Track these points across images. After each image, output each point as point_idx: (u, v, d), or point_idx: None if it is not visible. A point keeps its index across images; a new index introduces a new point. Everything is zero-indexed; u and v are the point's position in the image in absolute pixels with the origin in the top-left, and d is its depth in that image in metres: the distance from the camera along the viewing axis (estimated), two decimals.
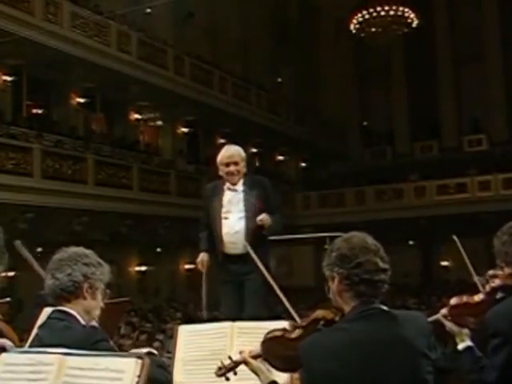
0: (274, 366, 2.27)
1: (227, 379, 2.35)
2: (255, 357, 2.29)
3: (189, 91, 19.16)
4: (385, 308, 2.09)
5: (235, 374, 2.34)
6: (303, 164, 28.69)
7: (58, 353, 2.00)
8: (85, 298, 2.35)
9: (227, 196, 4.58)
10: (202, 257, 4.57)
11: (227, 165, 4.55)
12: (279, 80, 27.40)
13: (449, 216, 21.53)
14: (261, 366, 2.27)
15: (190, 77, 19.50)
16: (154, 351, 2.66)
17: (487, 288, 2.79)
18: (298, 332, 2.21)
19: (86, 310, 2.36)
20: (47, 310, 2.41)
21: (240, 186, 4.59)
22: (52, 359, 1.99)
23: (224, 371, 2.34)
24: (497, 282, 2.77)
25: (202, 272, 4.55)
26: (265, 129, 22.27)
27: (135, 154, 18.58)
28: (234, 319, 3.23)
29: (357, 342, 2.00)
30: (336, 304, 2.16)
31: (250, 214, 4.50)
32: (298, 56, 27.03)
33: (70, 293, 2.33)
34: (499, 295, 2.65)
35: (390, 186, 23.90)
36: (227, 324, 3.10)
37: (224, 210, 4.55)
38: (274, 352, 2.24)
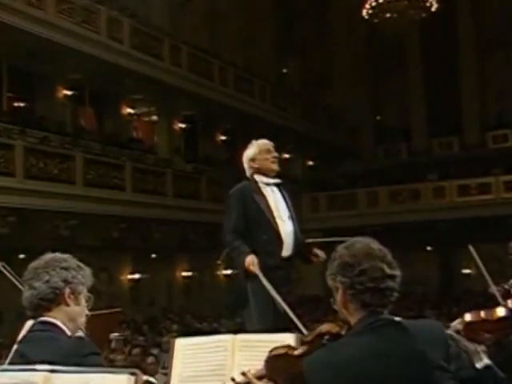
0: None
1: None
2: (260, 377, 2.28)
3: (186, 83, 19.16)
4: (395, 318, 2.06)
5: None
6: (311, 162, 28.70)
7: (44, 370, 1.98)
8: (67, 305, 2.36)
9: (270, 193, 4.52)
10: (253, 258, 4.23)
11: (269, 151, 4.57)
12: (285, 71, 27.41)
13: (471, 219, 21.48)
14: None
15: (187, 68, 19.51)
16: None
17: (510, 304, 2.74)
18: (302, 348, 2.20)
19: (71, 318, 2.36)
20: (28, 323, 2.40)
21: (276, 180, 4.59)
22: (37, 377, 1.96)
23: None
24: None
25: (255, 273, 4.16)
26: (269, 124, 22.22)
27: (128, 151, 18.56)
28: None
29: (364, 358, 1.98)
30: (342, 316, 2.14)
31: (294, 213, 4.55)
32: (306, 45, 27.04)
33: (50, 301, 2.33)
34: None
35: (406, 187, 23.86)
36: (228, 337, 3.08)
37: (274, 208, 4.48)
38: (279, 371, 2.23)
